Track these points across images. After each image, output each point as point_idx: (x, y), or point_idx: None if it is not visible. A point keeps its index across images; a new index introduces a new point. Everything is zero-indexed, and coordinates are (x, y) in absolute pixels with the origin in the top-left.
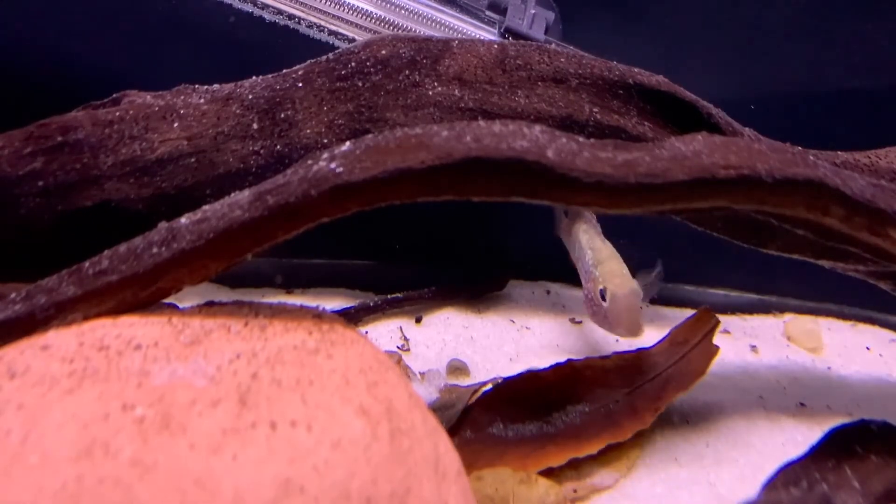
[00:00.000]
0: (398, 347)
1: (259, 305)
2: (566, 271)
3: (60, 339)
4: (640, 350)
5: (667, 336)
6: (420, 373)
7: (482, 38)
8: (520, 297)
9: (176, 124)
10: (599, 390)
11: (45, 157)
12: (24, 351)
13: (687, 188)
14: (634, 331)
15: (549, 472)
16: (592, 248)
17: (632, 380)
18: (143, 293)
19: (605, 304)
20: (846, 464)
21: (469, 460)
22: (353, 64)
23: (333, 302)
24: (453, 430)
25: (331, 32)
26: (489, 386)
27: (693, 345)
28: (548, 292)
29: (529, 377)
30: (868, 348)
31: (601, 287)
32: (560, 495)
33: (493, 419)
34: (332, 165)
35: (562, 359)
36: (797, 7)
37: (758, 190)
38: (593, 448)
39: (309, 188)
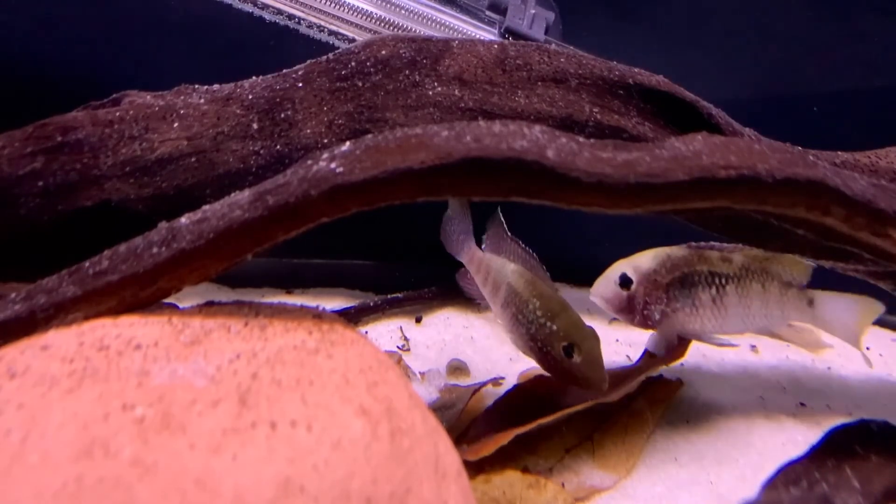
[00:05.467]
0: (398, 347)
1: (259, 305)
2: (566, 271)
3: (60, 339)
4: (624, 367)
5: (645, 351)
6: (420, 373)
7: (482, 38)
8: None
9: (176, 124)
10: (587, 399)
11: (45, 157)
12: (24, 351)
13: (687, 188)
14: (602, 384)
15: (548, 472)
16: (540, 296)
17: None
18: (143, 293)
19: (573, 361)
20: (846, 464)
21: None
22: (353, 64)
23: (333, 302)
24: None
25: (331, 32)
26: (489, 386)
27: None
28: None
29: (518, 392)
30: (868, 348)
31: (564, 344)
32: (568, 501)
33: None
34: (332, 165)
35: None
36: (798, 7)
37: (758, 190)
38: (582, 406)
39: (309, 188)
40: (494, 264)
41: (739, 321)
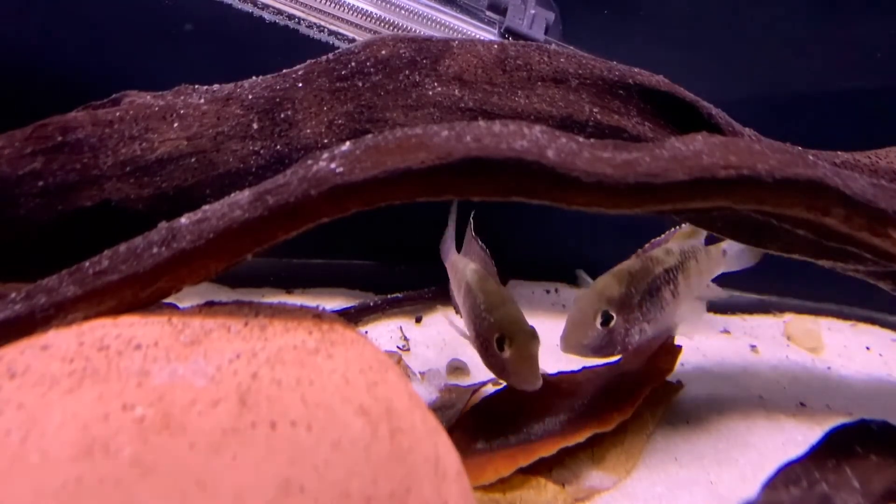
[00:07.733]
0: (398, 347)
1: (259, 305)
2: (566, 271)
3: (60, 339)
4: (607, 364)
5: None
6: (420, 373)
7: (482, 38)
8: (520, 297)
9: (176, 124)
10: (576, 401)
11: (45, 157)
12: (24, 351)
13: (687, 188)
14: (533, 381)
15: (548, 473)
16: (485, 290)
17: (605, 389)
18: (143, 293)
19: (503, 354)
20: (846, 464)
21: None
22: (353, 64)
23: (333, 302)
24: None
25: (331, 32)
26: (489, 386)
27: (656, 348)
28: (547, 292)
29: (506, 393)
30: (868, 348)
31: (497, 335)
32: (568, 501)
33: (475, 438)
34: (332, 165)
35: (561, 359)
36: (798, 7)
37: (758, 190)
38: (581, 437)
39: (309, 188)
40: (460, 265)
41: (687, 301)
